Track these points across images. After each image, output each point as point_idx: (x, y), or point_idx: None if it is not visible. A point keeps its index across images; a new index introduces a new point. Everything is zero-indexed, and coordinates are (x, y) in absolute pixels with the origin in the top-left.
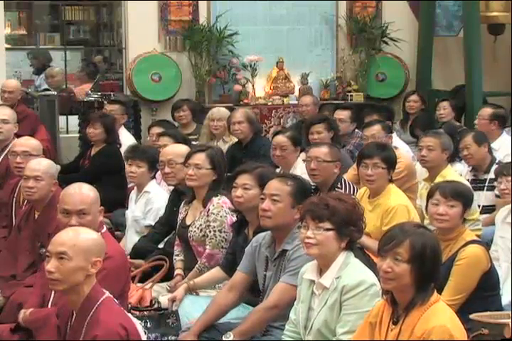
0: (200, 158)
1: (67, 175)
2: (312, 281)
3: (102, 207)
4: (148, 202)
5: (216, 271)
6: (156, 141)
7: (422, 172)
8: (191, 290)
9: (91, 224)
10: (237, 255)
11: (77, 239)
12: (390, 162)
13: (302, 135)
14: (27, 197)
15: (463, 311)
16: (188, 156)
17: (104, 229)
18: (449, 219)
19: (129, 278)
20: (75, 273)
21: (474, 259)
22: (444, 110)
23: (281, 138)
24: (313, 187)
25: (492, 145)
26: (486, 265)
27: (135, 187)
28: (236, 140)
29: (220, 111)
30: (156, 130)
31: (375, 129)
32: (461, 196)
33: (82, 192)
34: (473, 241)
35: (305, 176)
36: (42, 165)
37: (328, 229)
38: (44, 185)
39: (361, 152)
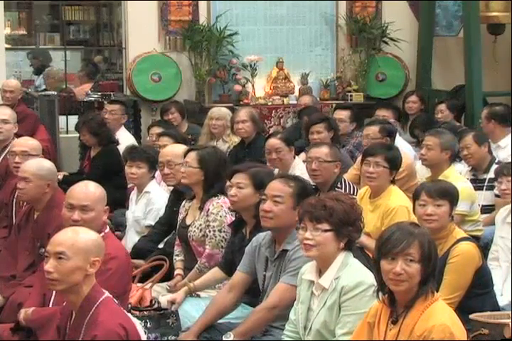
0: (190, 156)
1: (71, 176)
2: (311, 282)
3: (107, 207)
4: (149, 203)
5: (215, 271)
6: (156, 141)
7: (424, 171)
8: (191, 293)
9: (94, 220)
10: (235, 255)
11: (76, 239)
12: (393, 162)
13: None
14: (19, 198)
15: (460, 311)
16: (185, 155)
17: (108, 229)
18: (437, 219)
19: (131, 278)
20: (74, 273)
21: (467, 256)
22: (442, 113)
23: (275, 141)
24: (313, 188)
25: (499, 143)
26: (478, 261)
27: (135, 188)
28: (236, 140)
29: (220, 110)
30: (156, 130)
31: (371, 130)
32: (447, 195)
33: (88, 189)
34: (463, 239)
35: (304, 176)
36: (30, 167)
37: (326, 230)
38: (32, 186)
39: (366, 150)
